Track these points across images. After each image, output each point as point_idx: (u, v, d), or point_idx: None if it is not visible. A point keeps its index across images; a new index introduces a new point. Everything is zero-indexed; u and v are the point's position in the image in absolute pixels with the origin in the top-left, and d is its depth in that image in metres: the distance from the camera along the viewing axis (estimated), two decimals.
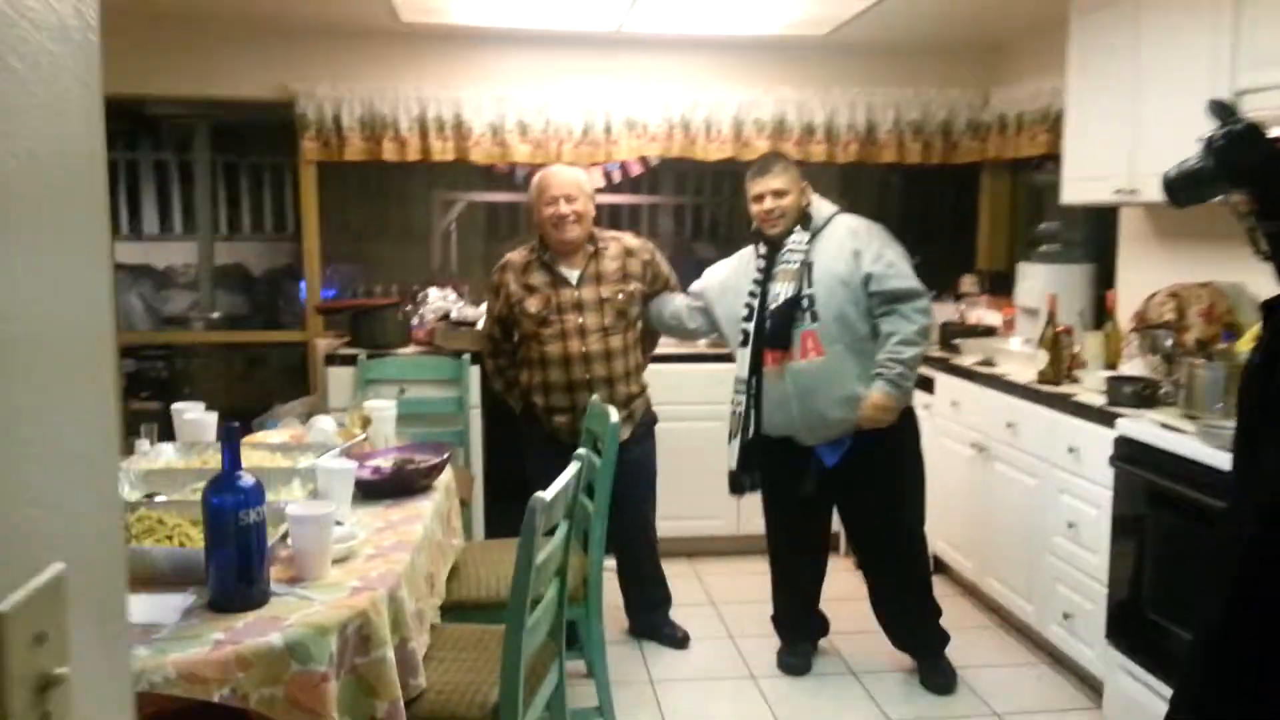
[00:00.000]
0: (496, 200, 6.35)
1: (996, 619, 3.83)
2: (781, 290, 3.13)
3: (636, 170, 5.03)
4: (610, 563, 3.70)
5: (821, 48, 4.87)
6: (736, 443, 3.29)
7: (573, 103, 4.75)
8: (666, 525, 4.46)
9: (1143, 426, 2.89)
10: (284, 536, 2.10)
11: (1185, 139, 3.14)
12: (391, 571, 2.08)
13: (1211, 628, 1.35)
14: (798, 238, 3.18)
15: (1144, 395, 3.09)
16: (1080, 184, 3.75)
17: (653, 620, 3.68)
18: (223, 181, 8.90)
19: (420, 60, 4.73)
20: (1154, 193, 3.35)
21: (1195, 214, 3.58)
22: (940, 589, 4.06)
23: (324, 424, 2.96)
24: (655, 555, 3.69)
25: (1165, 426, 2.84)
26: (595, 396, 3.15)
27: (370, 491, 2.59)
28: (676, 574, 4.36)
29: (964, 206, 5.42)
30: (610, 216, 7.70)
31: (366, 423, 2.95)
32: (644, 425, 3.55)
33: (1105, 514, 3.04)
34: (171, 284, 7.93)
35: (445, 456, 2.78)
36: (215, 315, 6.83)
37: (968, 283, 5.04)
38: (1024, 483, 3.51)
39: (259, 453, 2.81)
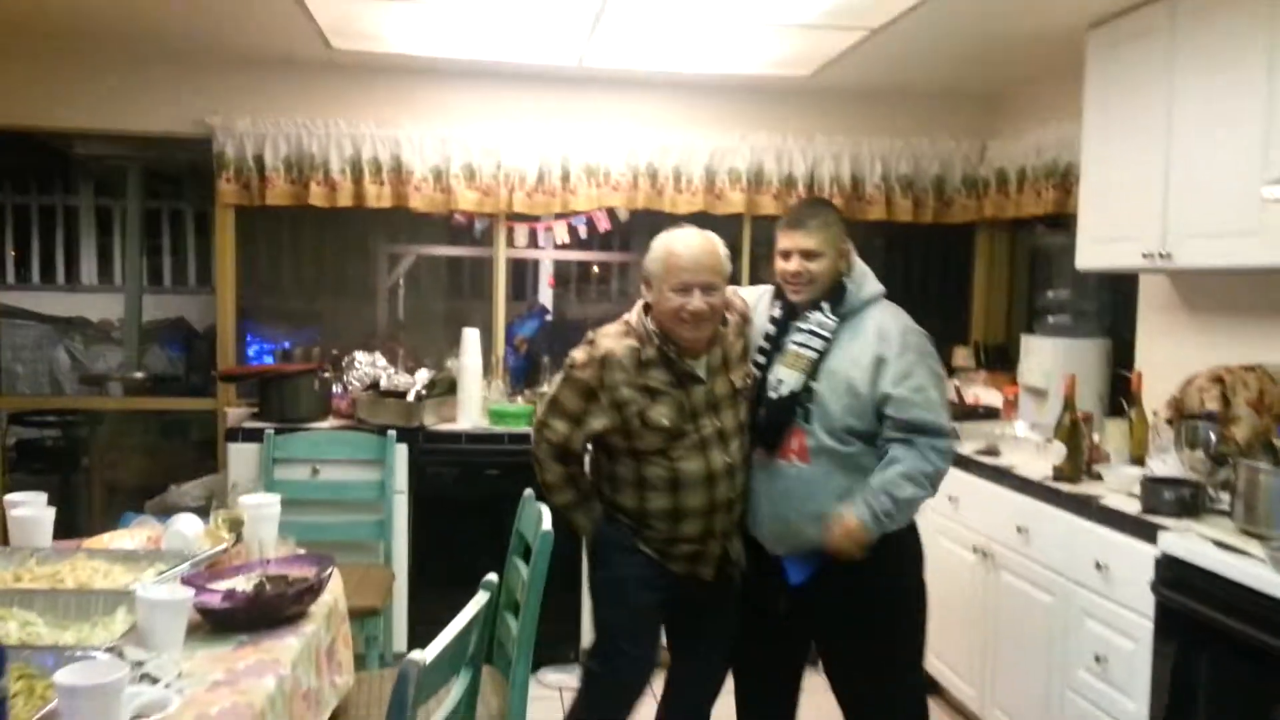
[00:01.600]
0: (458, 255, 5.86)
1: None
2: (786, 379, 2.52)
3: (605, 225, 4.53)
4: None
5: (803, 91, 4.41)
6: None
7: (526, 145, 4.25)
8: None
9: (1193, 544, 2.35)
10: None
11: (1235, 192, 2.67)
12: None
13: None
14: (822, 318, 2.53)
15: (1187, 502, 2.56)
16: (1099, 246, 3.26)
17: None
18: (167, 230, 8.38)
19: (354, 95, 4.22)
20: (1192, 257, 2.89)
21: (1231, 283, 3.12)
22: (934, 715, 3.52)
23: (184, 525, 2.37)
24: None
25: (1221, 545, 2.31)
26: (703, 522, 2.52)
27: (221, 623, 2.01)
28: None
29: (957, 271, 4.95)
30: (578, 275, 7.26)
31: (237, 524, 2.38)
32: None
33: (1144, 648, 2.49)
34: (105, 339, 7.37)
35: (327, 573, 2.20)
36: (139, 375, 6.22)
37: (961, 356, 4.54)
38: (1039, 600, 2.96)
39: (94, 563, 2.22)
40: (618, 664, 2.55)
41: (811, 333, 2.53)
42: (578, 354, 2.55)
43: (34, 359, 6.74)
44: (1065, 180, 3.87)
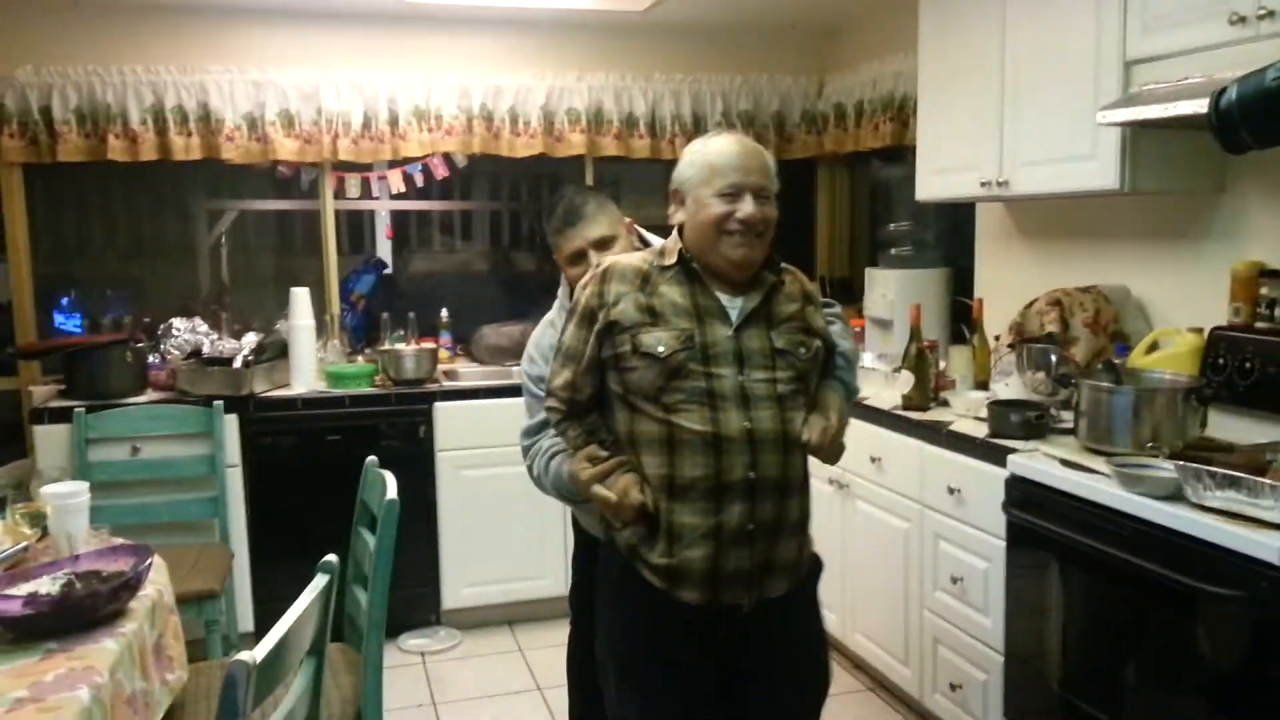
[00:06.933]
0: (284, 209, 5.48)
1: (868, 681, 3.32)
2: None
3: (442, 172, 4.31)
4: None
5: (640, 28, 4.28)
6: None
7: (349, 89, 3.98)
8: (480, 591, 3.80)
9: (1039, 464, 2.40)
10: None
11: (1069, 118, 2.70)
12: None
13: None
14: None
15: (1033, 424, 2.61)
16: (937, 177, 3.29)
17: None
18: None
19: (153, 39, 3.84)
20: (1029, 183, 2.93)
21: (1063, 208, 3.20)
22: None
23: None
24: None
25: (1067, 464, 2.36)
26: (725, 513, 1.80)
27: (25, 632, 1.79)
28: (496, 649, 3.70)
29: (800, 207, 4.96)
30: (418, 225, 6.97)
31: (40, 518, 2.13)
32: (814, 574, 2.02)
33: (998, 568, 2.55)
34: None
35: (146, 564, 2.00)
36: None
37: None
38: (894, 526, 3.00)
39: None
40: None
41: None
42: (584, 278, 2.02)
43: None
44: (902, 113, 3.89)
